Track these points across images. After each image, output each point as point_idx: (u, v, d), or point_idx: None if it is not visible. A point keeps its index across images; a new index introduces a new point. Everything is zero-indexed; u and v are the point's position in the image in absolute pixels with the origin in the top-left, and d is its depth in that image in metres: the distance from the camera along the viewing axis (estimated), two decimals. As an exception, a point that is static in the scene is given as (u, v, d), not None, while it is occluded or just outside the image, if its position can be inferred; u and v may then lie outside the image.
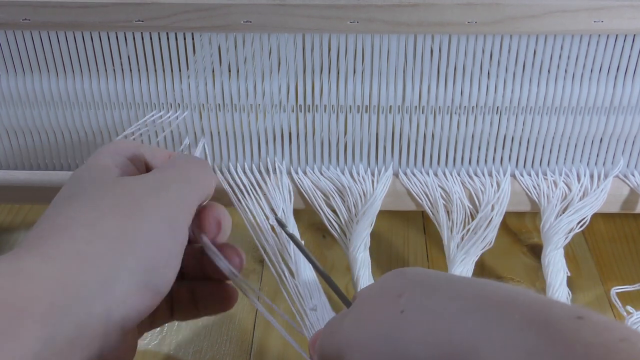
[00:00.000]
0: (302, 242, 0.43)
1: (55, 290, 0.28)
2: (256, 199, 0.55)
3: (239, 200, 0.55)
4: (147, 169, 0.41)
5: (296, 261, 0.49)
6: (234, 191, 0.55)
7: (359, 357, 0.29)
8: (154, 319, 0.39)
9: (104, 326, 0.30)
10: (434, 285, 0.29)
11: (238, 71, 0.52)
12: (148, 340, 0.55)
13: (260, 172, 0.56)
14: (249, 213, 0.53)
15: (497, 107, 0.53)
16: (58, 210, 0.33)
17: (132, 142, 0.43)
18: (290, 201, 0.54)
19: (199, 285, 0.41)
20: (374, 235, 0.56)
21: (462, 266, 0.54)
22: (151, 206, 0.34)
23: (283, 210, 0.54)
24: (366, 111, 0.53)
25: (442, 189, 0.55)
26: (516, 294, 0.26)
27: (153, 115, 0.54)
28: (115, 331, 0.31)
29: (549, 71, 0.51)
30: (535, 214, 0.68)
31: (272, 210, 0.54)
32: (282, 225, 0.48)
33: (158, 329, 0.56)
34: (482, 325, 0.24)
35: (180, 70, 0.52)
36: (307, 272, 0.50)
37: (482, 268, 0.62)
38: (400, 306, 0.28)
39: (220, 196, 0.56)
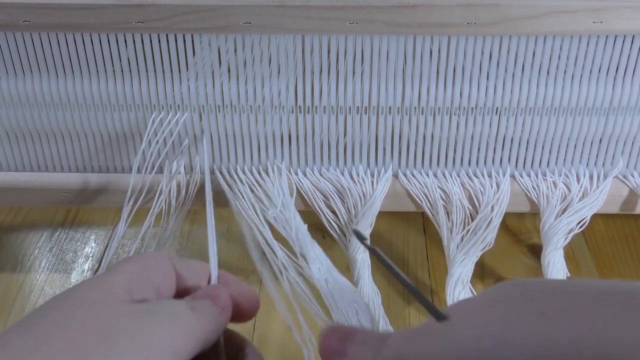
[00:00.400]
0: (385, 256, 0.37)
1: None
2: (257, 200, 0.55)
3: (240, 201, 0.55)
4: (181, 286, 0.35)
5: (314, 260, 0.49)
6: (233, 192, 0.56)
7: None
8: None
9: None
10: (570, 287, 0.26)
11: (238, 73, 0.52)
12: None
13: (260, 173, 0.56)
14: (250, 213, 0.53)
15: (497, 108, 0.53)
16: (18, 333, 0.27)
17: (162, 259, 0.35)
18: (292, 201, 0.54)
19: None
20: (373, 235, 0.56)
21: (462, 267, 0.54)
22: (122, 345, 0.28)
23: (281, 212, 0.54)
24: (366, 112, 0.53)
25: (442, 189, 0.55)
26: None
27: (153, 117, 0.54)
28: None
29: (548, 72, 0.51)
30: (535, 214, 0.68)
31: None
32: (360, 237, 0.43)
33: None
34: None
35: (180, 72, 0.52)
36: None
37: (482, 268, 0.62)
38: (538, 308, 0.25)
39: (220, 197, 0.56)
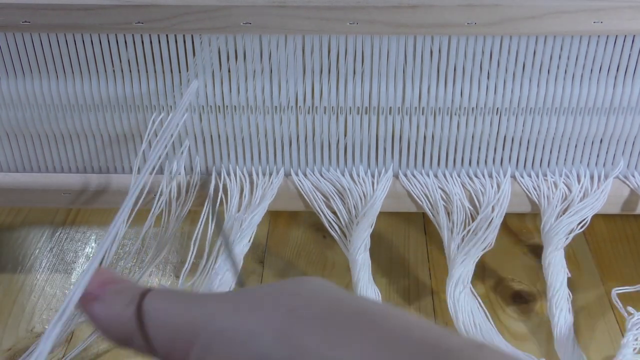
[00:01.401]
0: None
1: None
2: (256, 200, 0.55)
3: (239, 201, 0.55)
4: None
5: None
6: (233, 193, 0.56)
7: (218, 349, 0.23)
8: None
9: None
10: (340, 299, 0.24)
11: (238, 73, 0.52)
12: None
13: (260, 173, 0.56)
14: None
15: (497, 108, 0.53)
16: None
17: None
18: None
19: None
20: (374, 236, 0.56)
21: (463, 267, 0.54)
22: None
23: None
24: (366, 112, 0.53)
25: (443, 190, 0.55)
26: (409, 327, 0.22)
27: (153, 118, 0.54)
28: None
29: (548, 72, 0.51)
30: (536, 214, 0.68)
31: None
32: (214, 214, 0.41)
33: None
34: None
35: (180, 72, 0.52)
36: None
37: (482, 269, 0.62)
38: (291, 305, 0.23)
39: (220, 197, 0.56)
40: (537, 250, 0.64)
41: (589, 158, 0.56)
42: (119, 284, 0.26)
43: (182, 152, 0.55)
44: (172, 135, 0.54)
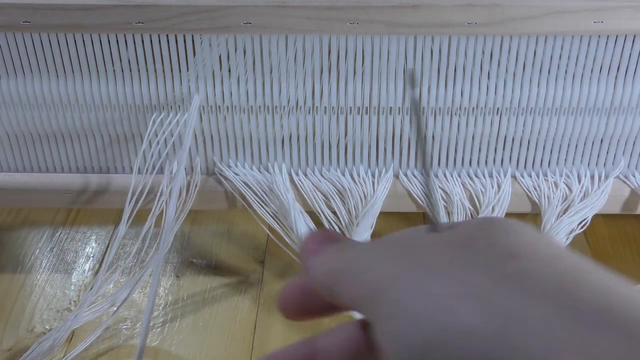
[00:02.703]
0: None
1: None
2: (257, 200, 0.55)
3: (239, 201, 0.55)
4: None
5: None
6: (233, 192, 0.56)
7: (406, 320, 0.19)
8: None
9: None
10: (568, 260, 0.20)
11: (238, 73, 0.52)
12: (149, 340, 0.55)
13: (260, 173, 0.56)
14: (250, 214, 0.53)
15: (498, 108, 0.53)
16: None
17: None
18: (293, 202, 0.54)
19: None
20: (374, 236, 0.56)
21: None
22: None
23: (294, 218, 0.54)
24: (366, 112, 0.53)
25: (443, 190, 0.55)
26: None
27: (153, 118, 0.54)
28: None
29: (549, 72, 0.51)
30: (536, 214, 0.68)
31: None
32: (412, 81, 0.37)
33: (159, 328, 0.56)
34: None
35: (180, 72, 0.52)
36: None
37: (483, 269, 0.61)
38: (506, 269, 0.19)
39: (220, 197, 0.56)
40: (537, 250, 0.64)
41: (590, 158, 0.56)
42: (337, 239, 0.25)
43: (181, 152, 0.55)
44: (172, 135, 0.54)
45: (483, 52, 0.50)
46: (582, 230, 0.54)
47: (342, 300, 0.22)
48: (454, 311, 0.18)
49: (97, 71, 0.52)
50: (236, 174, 0.56)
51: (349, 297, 0.21)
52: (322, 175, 0.56)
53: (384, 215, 0.57)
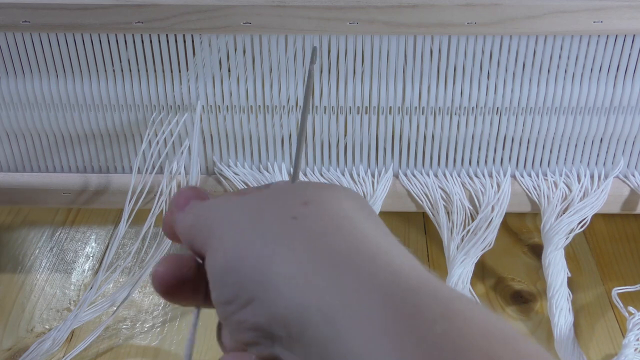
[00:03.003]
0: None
1: None
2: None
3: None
4: None
5: None
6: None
7: (222, 246, 0.25)
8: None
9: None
10: (340, 212, 0.25)
11: (238, 73, 0.52)
12: (149, 340, 0.55)
13: (260, 173, 0.56)
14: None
15: (497, 108, 0.53)
16: None
17: None
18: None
19: None
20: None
21: (462, 267, 0.54)
22: None
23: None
24: (366, 112, 0.53)
25: (443, 190, 0.55)
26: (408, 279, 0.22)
27: (153, 117, 0.54)
28: None
29: (548, 71, 0.51)
30: (536, 214, 0.68)
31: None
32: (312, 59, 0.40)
33: (159, 328, 0.56)
34: (351, 298, 0.21)
35: (180, 72, 0.52)
36: None
37: (482, 268, 0.62)
38: (295, 213, 0.24)
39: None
40: (537, 250, 0.64)
41: (589, 158, 0.56)
42: (204, 195, 0.29)
43: (182, 152, 0.55)
44: (172, 135, 0.54)
45: (483, 52, 0.50)
46: (581, 229, 0.54)
47: (196, 248, 0.27)
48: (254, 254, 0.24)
49: (97, 71, 0.52)
50: (236, 173, 0.56)
51: (199, 244, 0.26)
52: (322, 175, 0.56)
53: (383, 214, 0.57)
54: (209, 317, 0.59)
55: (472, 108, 0.53)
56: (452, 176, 0.56)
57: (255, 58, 0.51)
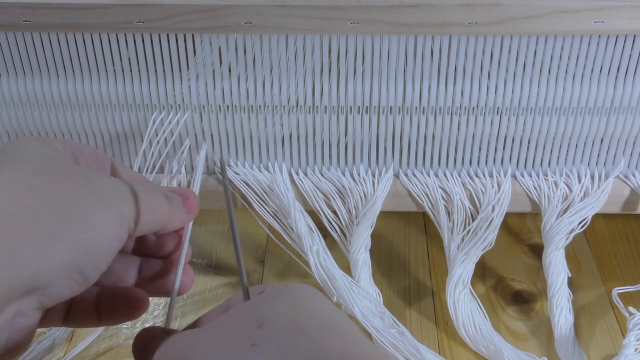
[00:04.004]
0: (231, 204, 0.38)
1: None
2: (257, 199, 0.55)
3: (239, 200, 0.55)
4: None
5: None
6: (233, 192, 0.56)
7: None
8: (43, 318, 0.33)
9: (23, 293, 0.28)
10: (300, 325, 0.26)
11: (239, 72, 0.52)
12: (149, 342, 0.55)
13: (260, 172, 0.56)
14: (250, 213, 0.53)
15: (498, 108, 0.53)
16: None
17: (100, 154, 0.37)
18: (293, 202, 0.54)
19: (106, 290, 0.36)
20: (374, 236, 0.56)
21: (463, 267, 0.54)
22: (106, 193, 0.31)
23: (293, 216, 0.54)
24: (366, 112, 0.53)
25: (443, 189, 0.55)
26: None
27: (154, 117, 0.54)
28: (30, 304, 0.28)
29: (549, 72, 0.51)
30: (536, 214, 0.68)
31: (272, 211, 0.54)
32: (223, 170, 0.43)
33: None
34: None
35: (180, 72, 0.52)
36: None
37: (483, 268, 0.62)
38: (254, 338, 0.26)
39: (220, 197, 0.56)
40: (537, 250, 0.64)
41: (590, 158, 0.56)
42: (159, 334, 0.31)
43: (182, 152, 0.55)
44: (172, 135, 0.54)
45: (483, 52, 0.50)
46: (582, 229, 0.54)
47: None
48: None
49: (98, 70, 0.52)
50: (236, 173, 0.56)
51: None
52: (322, 174, 0.56)
53: (384, 214, 0.57)
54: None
55: (473, 108, 0.53)
56: (452, 176, 0.56)
57: (255, 57, 0.51)
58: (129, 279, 0.37)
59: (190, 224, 0.37)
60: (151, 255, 0.38)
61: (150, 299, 0.46)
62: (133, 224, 0.32)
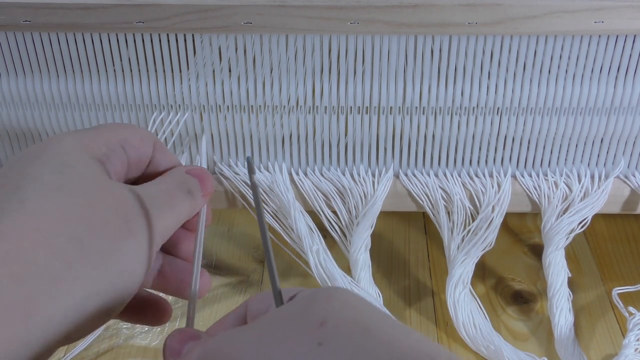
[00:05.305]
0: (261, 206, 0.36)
1: None
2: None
3: (239, 200, 0.55)
4: (153, 168, 0.36)
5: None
6: (233, 192, 0.56)
7: None
8: None
9: (54, 345, 0.26)
10: (362, 322, 0.25)
11: (239, 72, 0.52)
12: (149, 340, 0.55)
13: (260, 172, 0.56)
14: (250, 213, 0.53)
15: (498, 108, 0.53)
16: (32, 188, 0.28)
17: (147, 133, 0.36)
18: (293, 202, 0.54)
19: (137, 296, 0.35)
20: (374, 236, 0.56)
21: (463, 267, 0.54)
22: (139, 229, 0.30)
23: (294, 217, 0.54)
24: (367, 112, 0.53)
25: (443, 189, 0.55)
26: None
27: (154, 117, 0.54)
28: (38, 343, 0.26)
29: (549, 72, 0.51)
30: (536, 214, 0.68)
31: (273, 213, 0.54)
32: (250, 169, 0.42)
33: (159, 328, 0.56)
34: None
35: (180, 72, 0.52)
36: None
37: (483, 268, 0.62)
38: (318, 337, 0.24)
39: (221, 197, 0.56)
40: (537, 250, 0.64)
41: (590, 158, 0.56)
42: (198, 336, 0.30)
43: (182, 152, 0.55)
44: (172, 134, 0.54)
45: (483, 52, 0.50)
46: (582, 230, 0.54)
47: None
48: None
49: (98, 70, 0.52)
50: (236, 173, 0.56)
51: None
52: (322, 174, 0.56)
53: (384, 214, 0.57)
54: (210, 316, 0.59)
55: (473, 108, 0.53)
56: (452, 176, 0.56)
57: (255, 57, 0.51)
58: (149, 278, 0.36)
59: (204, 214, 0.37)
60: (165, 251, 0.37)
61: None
62: (158, 245, 0.31)
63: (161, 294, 0.38)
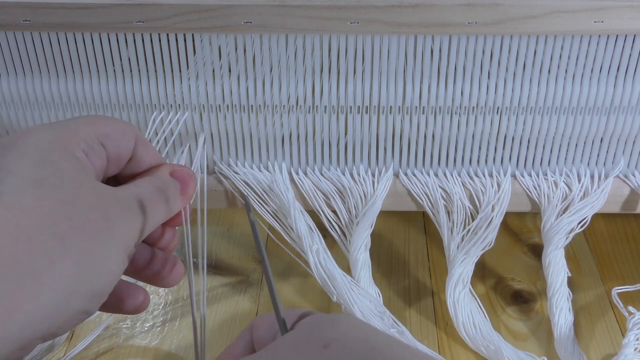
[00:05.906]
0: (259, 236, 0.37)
1: None
2: (256, 199, 0.55)
3: (239, 200, 0.55)
4: (136, 164, 0.36)
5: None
6: (233, 192, 0.56)
7: None
8: None
9: (34, 341, 0.27)
10: (368, 342, 0.26)
11: (238, 72, 0.52)
12: (149, 340, 0.55)
13: (260, 172, 0.56)
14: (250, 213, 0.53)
15: (498, 108, 0.53)
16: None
17: (128, 127, 0.35)
18: (293, 202, 0.54)
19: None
20: (374, 235, 0.56)
21: (463, 267, 0.54)
22: (118, 230, 0.30)
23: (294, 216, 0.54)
24: (366, 112, 0.53)
25: (443, 189, 0.55)
26: None
27: (154, 117, 0.54)
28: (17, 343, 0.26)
29: (549, 71, 0.51)
30: (536, 213, 0.68)
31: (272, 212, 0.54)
32: (247, 207, 0.42)
33: (159, 328, 0.56)
34: None
35: (180, 72, 0.52)
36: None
37: (482, 268, 0.62)
38: (324, 358, 0.25)
39: (221, 197, 0.56)
40: (537, 250, 0.64)
41: (589, 157, 0.56)
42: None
43: (182, 152, 0.55)
44: (172, 134, 0.54)
45: (483, 52, 0.50)
46: (581, 229, 0.54)
47: None
48: None
49: (98, 70, 0.52)
50: (236, 172, 0.56)
51: None
52: (322, 174, 0.56)
53: (384, 214, 0.57)
54: (210, 316, 0.59)
55: (473, 108, 0.53)
56: (452, 176, 0.56)
57: (255, 57, 0.51)
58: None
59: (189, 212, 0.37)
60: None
61: (150, 298, 0.46)
62: (134, 248, 0.31)
63: (139, 283, 0.38)
